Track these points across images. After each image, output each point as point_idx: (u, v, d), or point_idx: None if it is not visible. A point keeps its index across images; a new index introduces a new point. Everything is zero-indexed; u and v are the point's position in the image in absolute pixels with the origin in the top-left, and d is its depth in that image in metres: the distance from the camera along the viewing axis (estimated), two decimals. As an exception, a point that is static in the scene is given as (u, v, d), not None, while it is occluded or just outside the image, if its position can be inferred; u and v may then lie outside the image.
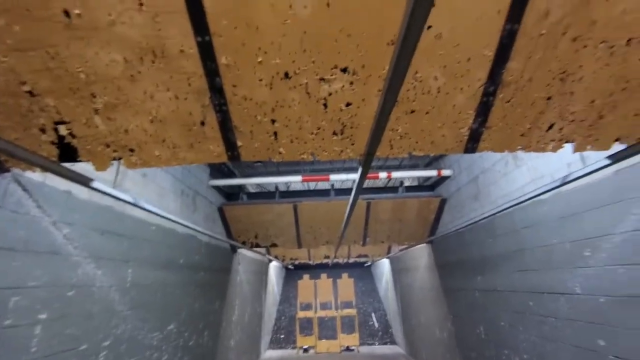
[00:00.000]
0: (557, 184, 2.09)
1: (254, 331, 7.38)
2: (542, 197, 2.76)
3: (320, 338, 8.90)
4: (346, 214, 2.94)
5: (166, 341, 3.21)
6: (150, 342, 2.93)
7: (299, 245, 5.71)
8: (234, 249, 5.55)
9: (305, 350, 8.61)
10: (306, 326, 9.33)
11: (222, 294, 5.01)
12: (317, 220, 5.29)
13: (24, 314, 1.74)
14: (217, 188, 4.80)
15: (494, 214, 3.03)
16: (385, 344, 9.28)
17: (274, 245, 5.71)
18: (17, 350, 1.70)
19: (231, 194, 5.27)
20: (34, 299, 1.80)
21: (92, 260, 2.27)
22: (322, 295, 9.59)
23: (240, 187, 5.41)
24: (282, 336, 9.72)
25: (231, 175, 4.98)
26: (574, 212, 2.45)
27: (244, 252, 6.28)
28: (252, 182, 4.71)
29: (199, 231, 3.33)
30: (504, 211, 3.25)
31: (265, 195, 5.54)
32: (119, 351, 2.47)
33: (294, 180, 4.61)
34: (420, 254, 6.31)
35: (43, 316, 1.85)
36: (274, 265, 10.01)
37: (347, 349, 8.57)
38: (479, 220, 3.32)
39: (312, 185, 6.64)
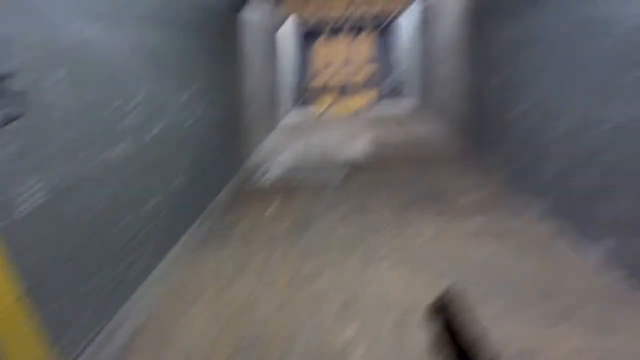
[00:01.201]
0: None
1: (272, 98, 7.81)
2: None
3: (337, 99, 9.44)
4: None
5: (192, 102, 3.40)
6: (178, 103, 3.12)
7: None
8: (236, 10, 4.94)
9: (325, 110, 9.38)
10: (323, 90, 9.71)
11: (234, 60, 4.91)
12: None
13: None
14: None
15: None
16: (402, 98, 9.82)
17: None
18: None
19: None
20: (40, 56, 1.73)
21: (90, 19, 2.02)
22: (339, 56, 9.35)
23: None
24: (301, 100, 10.38)
25: None
26: None
27: (250, 16, 5.63)
28: None
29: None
30: None
31: None
32: (149, 108, 2.65)
33: None
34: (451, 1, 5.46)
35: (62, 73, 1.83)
36: (285, 29, 9.29)
37: (365, 106, 9.21)
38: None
39: None
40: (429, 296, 2.14)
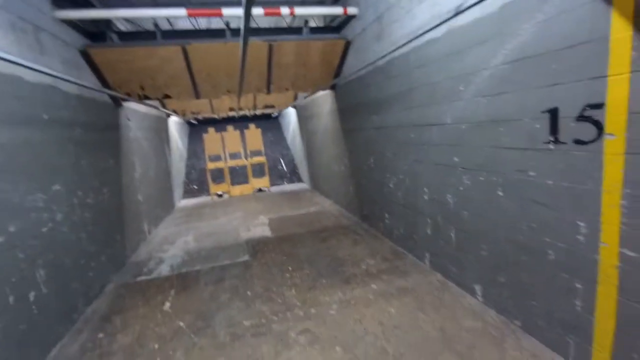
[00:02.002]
0: (451, 14, 2.10)
1: (163, 186, 7.37)
2: (435, 34, 2.83)
3: (232, 184, 9.49)
4: (240, 49, 2.63)
5: (55, 202, 2.96)
6: (34, 204, 2.66)
7: (197, 96, 5.22)
8: (116, 103, 4.80)
9: (220, 196, 9.22)
10: (218, 176, 9.69)
11: (115, 151, 4.59)
12: (214, 66, 4.73)
13: None
14: (72, 24, 3.67)
15: (391, 51, 3.07)
16: (293, 182, 10.46)
17: (168, 96, 5.11)
18: None
19: (96, 35, 4.14)
20: None
21: None
22: (230, 146, 9.67)
23: (107, 24, 4.25)
24: (195, 187, 10.05)
25: (87, 5, 3.77)
26: (459, 49, 2.62)
27: (133, 106, 5.53)
28: (120, 15, 3.69)
29: (56, 77, 2.65)
30: (401, 51, 3.32)
31: (144, 35, 4.51)
32: (-9, 215, 2.19)
33: (177, 15, 3.76)
34: (324, 101, 6.49)
35: None
36: (174, 121, 9.31)
37: (260, 190, 9.45)
38: (376, 60, 3.36)
39: (202, 24, 5.61)
40: (346, 370, 2.11)
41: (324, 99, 6.51)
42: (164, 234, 5.84)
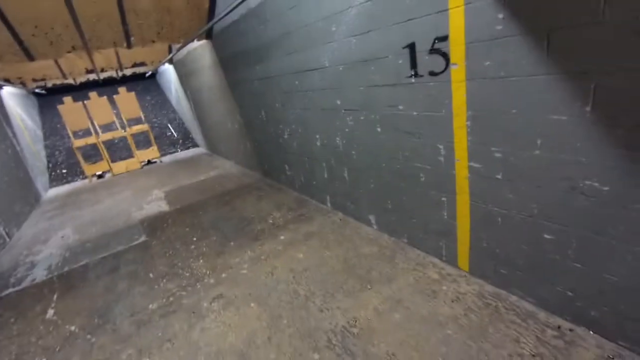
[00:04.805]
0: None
1: (16, 176, 5.95)
2: (302, -31, 2.67)
3: (114, 161, 8.24)
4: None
5: None
6: None
7: (29, 57, 4.10)
8: None
9: (100, 176, 7.96)
10: (92, 153, 8.25)
11: None
12: (46, 15, 3.71)
13: None
14: None
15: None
16: (188, 148, 9.63)
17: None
18: None
19: None
20: None
21: None
22: (98, 117, 8.16)
23: None
24: (64, 171, 8.43)
25: None
26: (326, -14, 2.54)
27: None
28: None
29: None
30: (271, -10, 3.08)
31: None
32: None
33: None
34: (203, 53, 5.83)
35: None
36: (10, 92, 7.33)
37: (149, 162, 8.45)
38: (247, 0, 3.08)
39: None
40: (261, 328, 2.18)
41: (202, 51, 5.84)
42: (32, 232, 4.86)
